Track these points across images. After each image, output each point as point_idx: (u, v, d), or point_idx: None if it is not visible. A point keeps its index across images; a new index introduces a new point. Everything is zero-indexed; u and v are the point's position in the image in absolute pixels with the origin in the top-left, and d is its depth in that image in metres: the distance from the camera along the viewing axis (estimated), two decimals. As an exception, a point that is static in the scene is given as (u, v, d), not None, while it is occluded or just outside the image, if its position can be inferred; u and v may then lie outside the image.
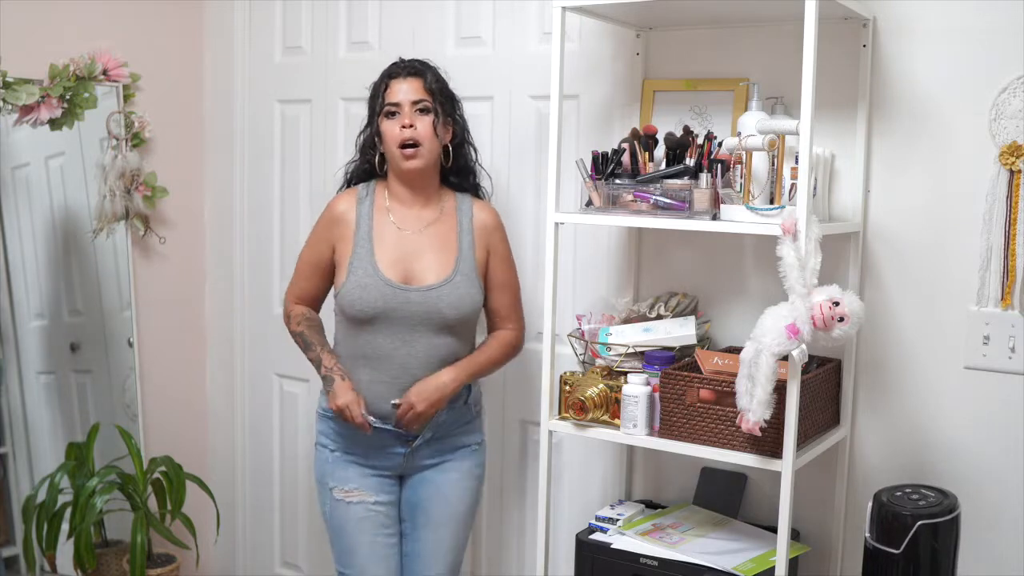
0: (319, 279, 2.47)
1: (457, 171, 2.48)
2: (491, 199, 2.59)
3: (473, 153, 2.52)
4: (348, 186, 2.51)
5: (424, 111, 2.36)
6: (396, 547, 2.46)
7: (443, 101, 2.39)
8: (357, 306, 2.34)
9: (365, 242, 2.37)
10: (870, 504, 2.08)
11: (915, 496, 2.05)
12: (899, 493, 2.07)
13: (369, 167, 2.46)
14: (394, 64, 2.43)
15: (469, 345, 2.45)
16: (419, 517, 2.46)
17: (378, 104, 2.39)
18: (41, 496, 2.90)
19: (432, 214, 2.42)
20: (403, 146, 2.34)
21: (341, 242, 2.40)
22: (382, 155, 2.42)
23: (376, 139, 2.40)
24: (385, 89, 2.38)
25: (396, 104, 2.35)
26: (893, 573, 2.02)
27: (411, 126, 2.33)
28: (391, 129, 2.35)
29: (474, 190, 2.52)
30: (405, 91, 2.36)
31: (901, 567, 2.00)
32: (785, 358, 1.96)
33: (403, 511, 2.49)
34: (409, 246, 2.38)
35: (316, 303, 2.52)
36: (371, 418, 2.34)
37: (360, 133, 2.50)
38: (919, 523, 1.98)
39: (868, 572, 2.07)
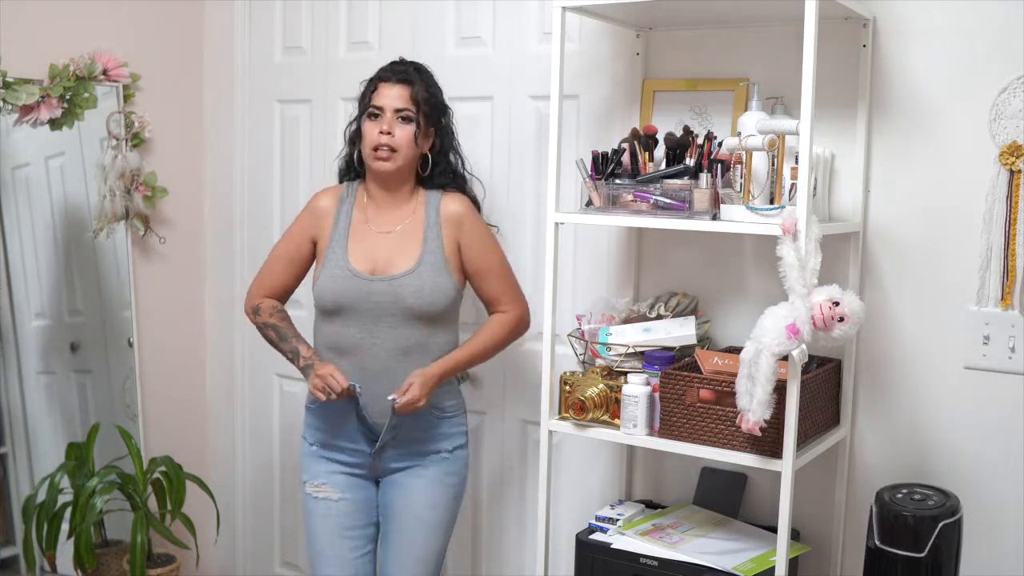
0: (292, 272, 2.49)
1: (439, 177, 2.46)
2: (483, 203, 2.58)
3: (460, 162, 2.50)
4: (340, 181, 2.54)
5: (406, 120, 2.36)
6: (358, 548, 2.44)
7: (428, 112, 2.38)
8: (326, 296, 2.37)
9: (341, 238, 2.40)
10: (872, 504, 2.08)
11: (917, 496, 2.05)
12: (899, 495, 2.07)
13: (351, 161, 2.49)
14: (387, 67, 2.43)
15: (445, 337, 2.42)
16: (389, 521, 2.44)
17: (364, 103, 2.41)
18: (41, 496, 2.90)
19: (404, 213, 2.43)
20: (377, 148, 2.36)
21: (321, 236, 2.44)
22: (360, 152, 2.44)
23: (358, 136, 2.44)
24: (373, 91, 2.40)
25: (380, 108, 2.37)
26: (898, 574, 2.02)
27: (388, 133, 2.34)
28: (370, 131, 2.37)
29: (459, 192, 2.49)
30: (391, 97, 2.36)
31: (911, 569, 2.00)
32: (785, 358, 1.96)
33: (379, 513, 2.48)
34: (379, 243, 2.40)
35: (284, 298, 2.53)
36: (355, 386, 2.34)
37: (348, 125, 2.51)
38: (941, 524, 1.99)
39: (874, 573, 2.06)
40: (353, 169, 2.50)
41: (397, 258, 2.38)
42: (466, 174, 2.52)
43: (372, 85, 2.41)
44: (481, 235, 2.44)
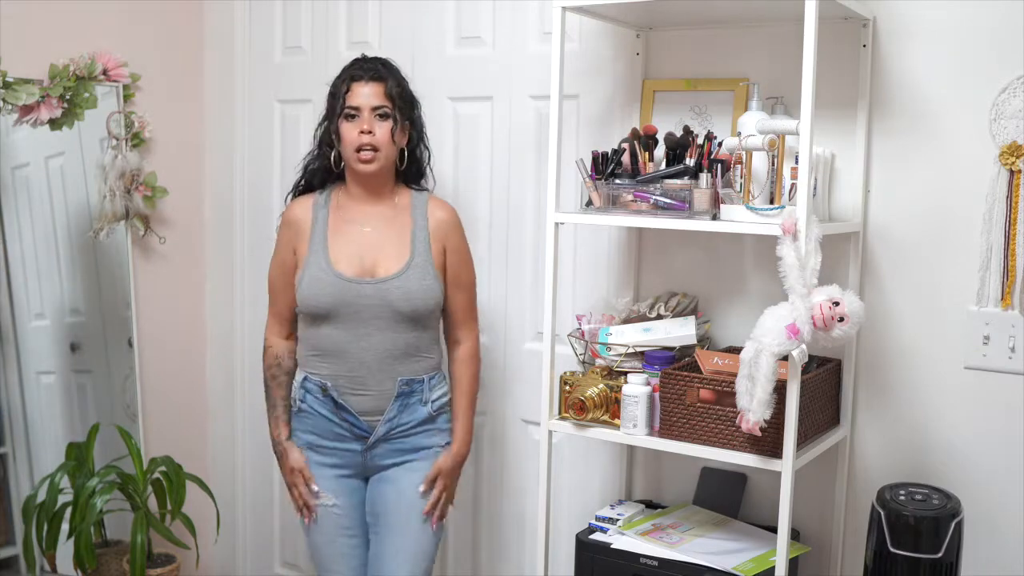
0: (292, 288, 2.43)
1: (412, 173, 2.48)
2: (434, 190, 2.57)
3: (426, 156, 2.51)
4: (305, 190, 2.49)
5: (383, 116, 2.35)
6: (358, 548, 2.44)
7: (402, 106, 2.38)
8: (311, 301, 2.35)
9: (320, 239, 2.38)
10: (875, 505, 2.07)
11: (918, 497, 2.05)
12: (901, 495, 2.07)
13: (327, 164, 2.43)
14: (356, 65, 2.40)
15: (429, 340, 2.41)
16: (381, 519, 2.42)
17: (338, 105, 2.38)
18: (41, 496, 2.90)
19: (387, 210, 2.42)
20: (359, 149, 2.34)
21: (300, 244, 2.41)
22: (339, 153, 2.40)
23: (335, 138, 2.39)
24: (347, 91, 2.37)
25: (356, 108, 2.35)
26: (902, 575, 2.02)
27: (370, 132, 2.33)
28: (350, 132, 2.35)
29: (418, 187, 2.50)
30: (366, 95, 2.35)
31: (929, 571, 2.00)
32: (785, 358, 1.96)
33: (368, 513, 2.45)
34: (364, 240, 2.39)
35: (295, 317, 2.49)
36: (318, 493, 2.42)
37: (318, 126, 2.47)
38: (954, 521, 2.00)
39: (881, 574, 2.07)
40: (330, 173, 2.45)
41: (385, 260, 2.36)
42: (428, 169, 2.52)
43: (345, 86, 2.38)
44: (465, 245, 2.47)
